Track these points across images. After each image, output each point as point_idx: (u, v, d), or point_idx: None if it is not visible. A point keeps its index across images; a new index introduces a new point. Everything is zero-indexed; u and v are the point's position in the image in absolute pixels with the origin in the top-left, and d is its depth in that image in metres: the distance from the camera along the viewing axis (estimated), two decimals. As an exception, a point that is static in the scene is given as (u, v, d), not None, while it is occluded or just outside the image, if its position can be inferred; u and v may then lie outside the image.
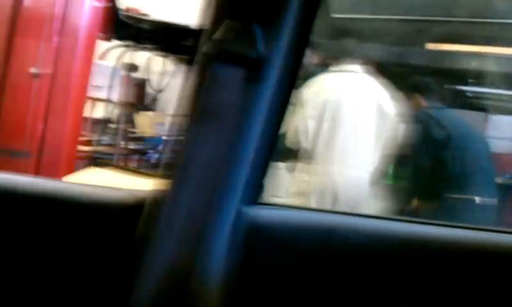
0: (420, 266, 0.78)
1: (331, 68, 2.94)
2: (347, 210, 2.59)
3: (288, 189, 2.81)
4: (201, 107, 0.74)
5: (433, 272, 0.77)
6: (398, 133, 2.81)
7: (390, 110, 2.77)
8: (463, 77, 3.87)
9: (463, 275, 0.77)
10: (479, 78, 3.69)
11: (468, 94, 4.28)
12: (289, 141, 2.78)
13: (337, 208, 2.65)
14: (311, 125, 2.77)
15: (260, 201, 0.89)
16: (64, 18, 2.48)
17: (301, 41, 0.81)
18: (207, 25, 0.76)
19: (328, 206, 2.66)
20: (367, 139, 2.76)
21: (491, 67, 3.50)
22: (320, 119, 2.76)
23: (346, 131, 2.74)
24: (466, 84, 4.02)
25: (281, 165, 2.87)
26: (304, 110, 2.76)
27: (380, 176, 2.87)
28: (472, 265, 0.77)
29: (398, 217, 0.87)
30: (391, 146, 2.80)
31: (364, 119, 2.75)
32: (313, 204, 2.68)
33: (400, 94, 2.99)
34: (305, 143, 2.78)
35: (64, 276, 0.84)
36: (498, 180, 4.94)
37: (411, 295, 0.77)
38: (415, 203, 3.17)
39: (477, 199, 3.01)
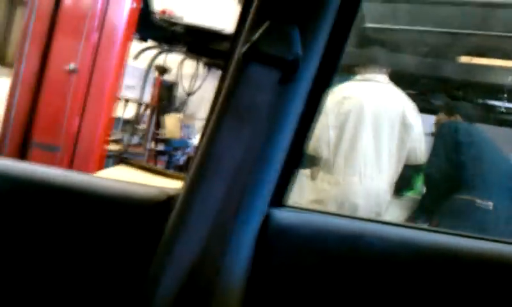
0: (445, 276, 0.77)
1: (356, 77, 2.93)
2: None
3: (308, 197, 2.81)
4: (234, 107, 0.74)
5: (458, 282, 0.77)
6: (421, 146, 2.79)
7: (414, 122, 2.75)
8: (496, 91, 3.79)
9: (487, 287, 0.76)
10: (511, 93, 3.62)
11: (502, 110, 4.20)
12: (311, 149, 2.77)
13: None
14: (332, 134, 2.77)
15: (286, 204, 0.89)
16: (103, 17, 2.52)
17: (338, 45, 0.81)
18: (246, 27, 0.77)
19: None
20: (389, 150, 2.74)
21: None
22: (342, 129, 2.75)
23: (368, 141, 2.73)
24: (500, 99, 3.94)
25: (302, 171, 2.87)
26: (326, 119, 2.76)
27: (402, 188, 2.85)
28: (498, 278, 0.76)
29: (424, 227, 0.87)
30: (413, 158, 2.78)
31: (387, 130, 2.73)
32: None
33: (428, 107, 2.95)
34: (326, 152, 2.78)
35: (94, 269, 0.85)
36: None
37: (435, 304, 0.77)
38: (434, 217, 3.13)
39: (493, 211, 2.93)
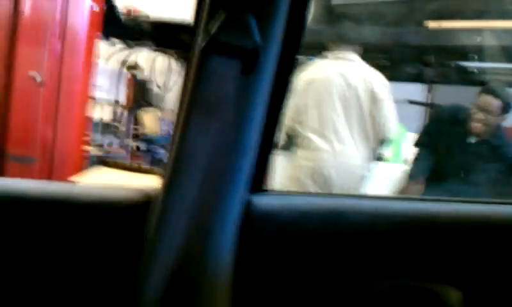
0: (423, 241, 0.79)
1: (327, 55, 2.97)
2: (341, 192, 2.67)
3: (288, 174, 2.89)
4: (200, 101, 0.74)
5: (438, 246, 0.78)
6: (391, 120, 2.85)
7: (384, 96, 2.81)
8: (465, 53, 3.83)
9: (464, 248, 0.77)
10: (482, 53, 3.66)
11: (473, 70, 4.24)
12: (285, 129, 2.85)
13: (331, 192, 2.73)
14: (304, 112, 2.84)
15: (264, 189, 0.90)
16: (63, 23, 2.49)
17: (296, 29, 0.82)
18: (202, 18, 0.76)
19: (322, 191, 2.74)
20: (360, 126, 2.82)
21: (493, 42, 3.47)
22: (313, 107, 2.83)
23: (339, 118, 2.80)
24: (470, 60, 3.98)
25: (284, 152, 2.95)
26: (297, 98, 2.82)
27: (373, 160, 2.93)
28: (473, 237, 0.77)
29: (399, 196, 0.88)
30: (384, 132, 2.84)
31: (356, 107, 2.80)
32: (308, 190, 2.75)
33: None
34: (299, 130, 2.85)
35: (76, 276, 0.85)
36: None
37: (415, 270, 0.78)
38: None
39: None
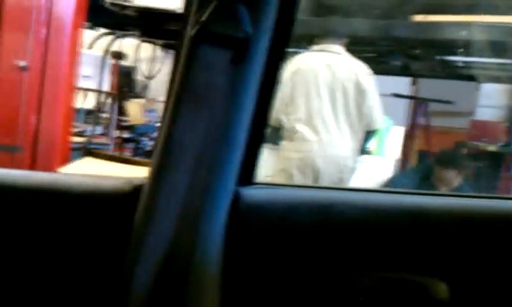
0: (412, 235, 0.79)
1: (313, 48, 3.00)
2: (330, 185, 2.69)
3: (276, 167, 2.92)
4: (190, 90, 0.74)
5: (424, 239, 0.79)
6: (376, 111, 2.88)
7: (369, 87, 2.84)
8: (452, 47, 3.86)
9: (452, 241, 0.78)
10: (467, 47, 3.69)
11: (458, 64, 4.28)
12: (272, 121, 2.86)
13: (320, 184, 2.76)
14: (290, 104, 2.87)
15: (255, 181, 0.89)
16: (49, 9, 2.45)
17: (287, 19, 0.81)
18: (192, 6, 0.75)
19: (310, 183, 2.77)
20: (346, 117, 2.85)
21: (479, 36, 3.50)
22: (299, 98, 2.85)
23: (325, 109, 2.83)
24: (456, 54, 4.02)
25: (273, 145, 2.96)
26: (284, 90, 2.83)
27: (361, 149, 2.96)
28: (461, 231, 0.78)
29: (388, 189, 0.89)
30: (369, 123, 2.87)
31: (342, 98, 2.83)
32: (296, 181, 2.78)
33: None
34: (286, 122, 2.87)
35: (64, 267, 0.84)
36: (492, 148, 4.98)
37: (404, 263, 0.79)
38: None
39: None
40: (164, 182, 0.74)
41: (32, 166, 2.57)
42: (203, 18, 0.72)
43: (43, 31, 2.47)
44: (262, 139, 0.87)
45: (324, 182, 2.76)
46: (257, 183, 0.90)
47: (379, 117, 2.94)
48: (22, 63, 2.46)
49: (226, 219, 0.78)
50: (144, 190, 0.77)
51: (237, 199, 0.81)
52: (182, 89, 0.74)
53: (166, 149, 0.75)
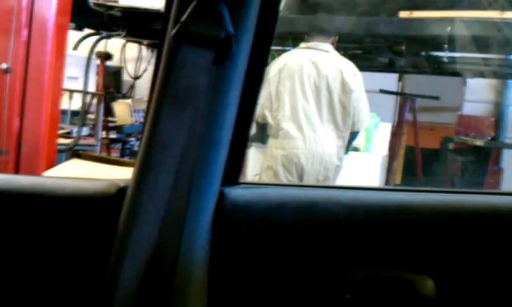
0: (398, 232, 0.79)
1: (300, 45, 3.02)
2: (315, 183, 2.71)
3: (262, 165, 2.94)
4: (172, 92, 0.73)
5: (411, 236, 0.79)
6: (362, 110, 2.90)
7: (354, 87, 2.85)
8: (436, 43, 3.89)
9: (438, 237, 0.78)
10: (453, 43, 3.71)
11: (445, 59, 4.31)
12: (257, 117, 2.90)
13: (305, 182, 2.77)
14: (275, 101, 2.89)
15: (240, 181, 0.89)
16: (30, 11, 2.43)
17: (269, 18, 0.81)
18: (173, 6, 0.75)
19: (296, 180, 2.78)
20: (331, 115, 2.87)
21: (464, 31, 3.53)
22: (284, 95, 2.86)
23: (309, 107, 2.85)
24: (442, 49, 4.04)
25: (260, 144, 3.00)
26: (269, 87, 2.86)
27: (346, 148, 2.98)
28: (448, 227, 0.78)
29: (374, 187, 0.89)
30: (355, 122, 2.90)
31: (327, 96, 2.85)
32: (282, 179, 2.79)
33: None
34: (270, 119, 2.89)
35: (48, 270, 0.84)
36: (479, 143, 5.04)
37: (390, 260, 0.79)
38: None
39: None
40: (147, 183, 0.73)
41: (16, 169, 2.55)
42: (184, 18, 0.71)
43: (25, 32, 2.44)
44: (246, 138, 0.87)
45: (309, 179, 2.78)
46: (242, 183, 0.89)
47: (366, 118, 2.96)
48: (4, 66, 2.44)
49: (211, 220, 0.78)
50: (129, 192, 0.77)
51: (221, 199, 0.81)
52: (164, 89, 0.73)
53: (150, 151, 0.74)
